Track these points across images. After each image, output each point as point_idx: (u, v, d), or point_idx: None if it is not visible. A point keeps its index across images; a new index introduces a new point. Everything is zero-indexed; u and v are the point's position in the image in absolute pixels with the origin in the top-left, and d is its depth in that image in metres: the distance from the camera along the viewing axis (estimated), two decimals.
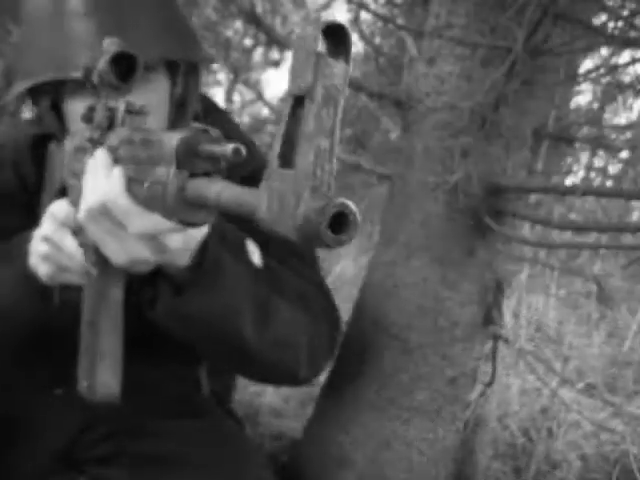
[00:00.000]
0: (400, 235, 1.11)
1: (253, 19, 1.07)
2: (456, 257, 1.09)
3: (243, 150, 0.46)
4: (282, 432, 1.56)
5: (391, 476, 1.16)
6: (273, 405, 1.72)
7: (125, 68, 0.62)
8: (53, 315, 0.77)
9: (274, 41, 1.12)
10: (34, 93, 0.86)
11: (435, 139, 1.07)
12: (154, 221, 0.55)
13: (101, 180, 0.59)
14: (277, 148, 0.39)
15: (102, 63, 0.61)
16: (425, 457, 1.17)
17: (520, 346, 1.39)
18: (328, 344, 0.90)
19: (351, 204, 0.37)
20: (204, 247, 0.66)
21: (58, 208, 0.70)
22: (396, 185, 1.16)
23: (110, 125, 0.63)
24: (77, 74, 0.70)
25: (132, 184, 0.56)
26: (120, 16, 0.81)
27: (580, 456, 1.58)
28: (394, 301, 1.13)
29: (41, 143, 0.92)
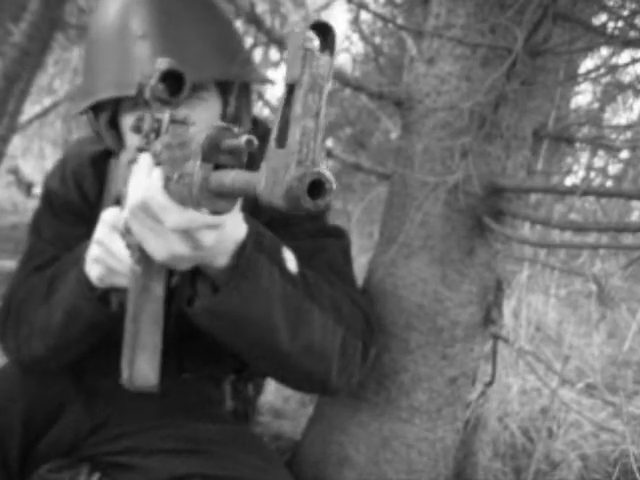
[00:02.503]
0: (400, 235, 1.11)
1: (253, 19, 1.07)
2: (456, 257, 1.09)
3: (255, 140, 0.52)
4: (282, 432, 1.56)
5: (391, 476, 1.16)
6: (273, 405, 1.72)
7: (175, 85, 0.68)
8: (113, 318, 0.82)
9: (274, 41, 1.12)
10: (95, 110, 0.92)
11: (435, 139, 1.07)
12: (187, 216, 0.60)
13: (142, 179, 0.64)
14: (275, 132, 0.45)
15: (153, 80, 0.67)
16: (425, 457, 1.17)
17: (520, 346, 1.39)
18: (360, 356, 0.92)
19: (327, 173, 0.42)
20: (241, 250, 0.71)
21: (109, 214, 0.76)
22: (396, 185, 1.16)
23: (157, 134, 0.69)
24: (134, 93, 0.77)
25: (169, 182, 0.61)
26: (175, 38, 0.86)
27: (580, 456, 1.57)
28: (394, 301, 1.13)
29: (101, 159, 1.00)
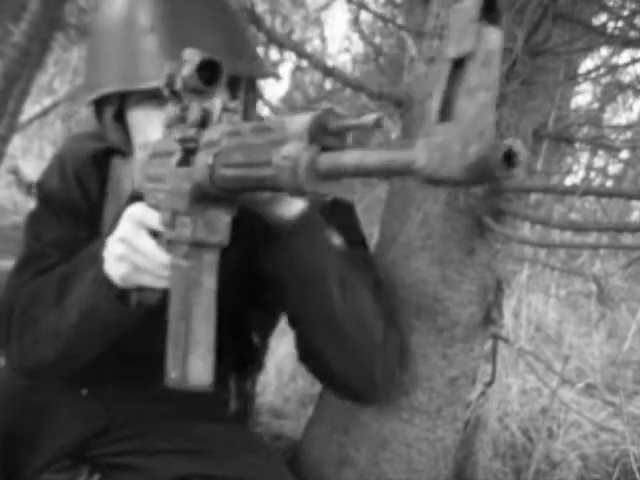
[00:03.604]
0: (400, 235, 1.11)
1: (253, 19, 1.07)
2: (456, 257, 1.09)
3: (384, 120, 0.50)
4: (282, 432, 1.56)
5: (391, 476, 1.16)
6: (273, 405, 1.72)
7: (207, 75, 0.66)
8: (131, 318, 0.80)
9: (274, 41, 1.12)
10: (98, 105, 0.90)
11: None
12: None
13: None
14: (437, 106, 0.44)
15: (188, 70, 0.65)
16: (425, 457, 1.17)
17: (520, 346, 1.39)
18: (398, 351, 0.93)
19: (520, 144, 0.41)
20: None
21: (135, 210, 0.73)
22: (396, 185, 1.16)
23: (203, 123, 0.67)
24: (144, 86, 0.76)
25: (244, 168, 0.60)
26: (184, 32, 0.84)
27: (580, 456, 1.58)
28: (394, 301, 1.13)
29: (102, 157, 0.96)
